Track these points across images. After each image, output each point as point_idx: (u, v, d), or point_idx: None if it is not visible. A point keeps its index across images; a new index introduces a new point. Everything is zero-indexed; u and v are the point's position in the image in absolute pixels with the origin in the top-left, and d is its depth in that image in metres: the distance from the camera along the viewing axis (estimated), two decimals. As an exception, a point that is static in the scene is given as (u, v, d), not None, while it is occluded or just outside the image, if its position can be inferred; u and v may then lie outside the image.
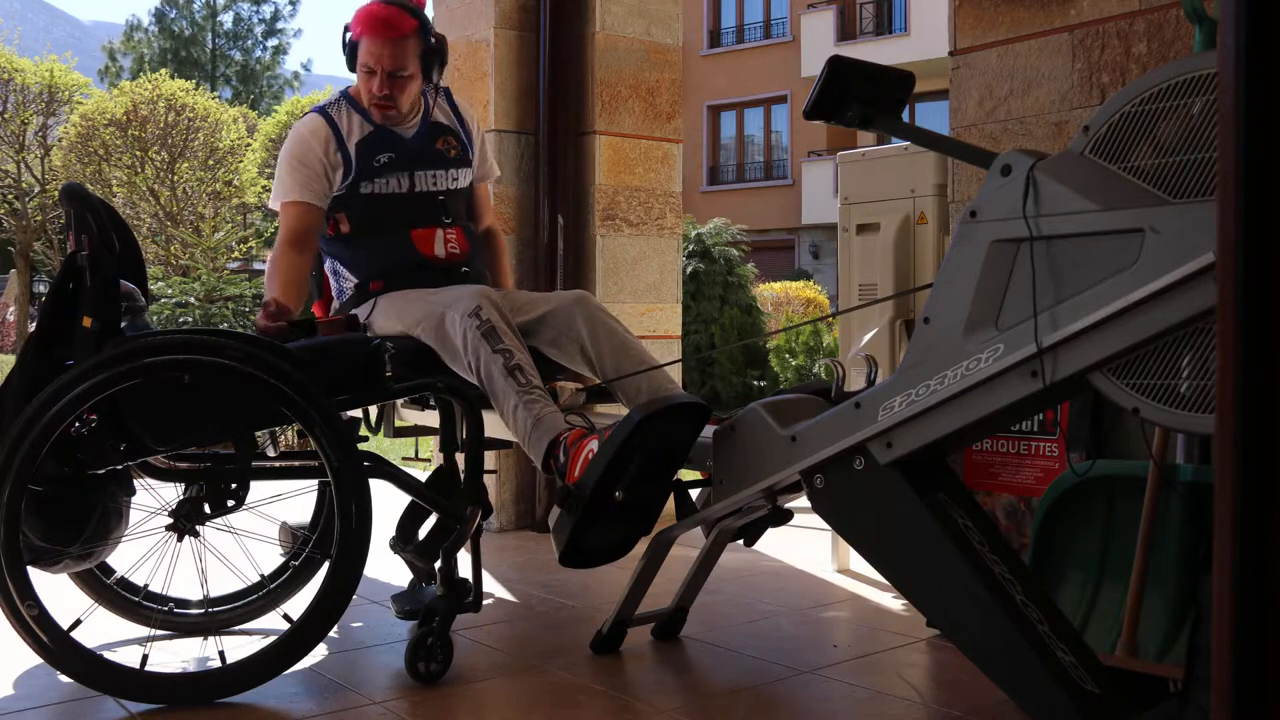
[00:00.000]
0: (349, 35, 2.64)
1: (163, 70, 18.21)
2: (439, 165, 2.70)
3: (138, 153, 15.75)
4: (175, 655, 2.37)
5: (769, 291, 13.27)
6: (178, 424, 2.09)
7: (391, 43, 2.58)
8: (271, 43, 39.04)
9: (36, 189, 17.26)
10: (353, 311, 2.60)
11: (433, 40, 2.65)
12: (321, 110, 2.66)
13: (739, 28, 24.01)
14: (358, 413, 2.63)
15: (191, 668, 2.26)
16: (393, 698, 2.11)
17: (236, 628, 2.55)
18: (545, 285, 3.77)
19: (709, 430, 2.15)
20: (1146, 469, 2.02)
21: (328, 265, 2.70)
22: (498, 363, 2.24)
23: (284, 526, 2.61)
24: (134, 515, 2.22)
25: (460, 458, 2.34)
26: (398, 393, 2.31)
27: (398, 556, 2.45)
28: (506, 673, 2.30)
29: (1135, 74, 2.28)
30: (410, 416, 2.71)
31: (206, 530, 2.20)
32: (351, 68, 2.66)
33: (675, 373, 3.99)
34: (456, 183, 2.73)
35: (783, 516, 2.30)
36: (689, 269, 11.13)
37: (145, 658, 2.07)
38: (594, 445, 2.09)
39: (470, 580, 2.25)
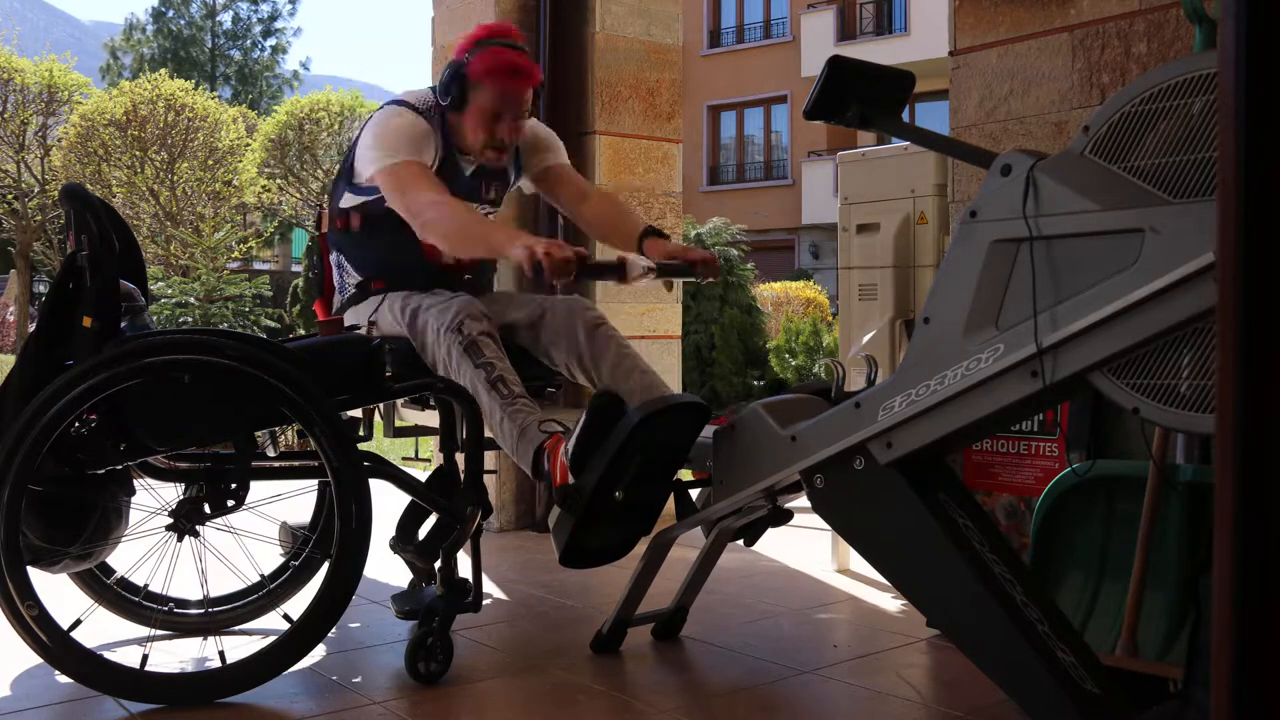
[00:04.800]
0: (461, 69, 2.47)
1: (162, 70, 18.20)
2: (473, 201, 2.62)
3: (137, 153, 15.74)
4: (175, 655, 2.37)
5: (769, 291, 13.27)
6: (177, 424, 2.09)
7: (526, 92, 2.51)
8: (270, 42, 39.06)
9: (36, 189, 17.25)
10: (348, 316, 2.61)
11: (541, 82, 2.58)
12: (419, 112, 2.51)
13: (739, 28, 24.00)
14: (358, 413, 2.63)
15: (191, 668, 2.26)
16: (393, 698, 2.12)
17: (236, 628, 2.55)
18: (546, 286, 3.76)
19: (709, 430, 2.15)
20: (1146, 469, 2.02)
21: (333, 258, 2.69)
22: (481, 377, 2.26)
23: (284, 526, 2.61)
24: (134, 515, 2.22)
25: (460, 458, 2.34)
26: (398, 393, 2.31)
27: (398, 556, 2.45)
28: (506, 673, 2.30)
29: (1135, 74, 2.28)
30: (410, 416, 2.70)
31: (206, 530, 2.20)
32: (457, 106, 2.50)
33: (675, 373, 4.00)
34: (481, 212, 2.68)
35: (783, 516, 2.30)
36: (689, 269, 11.10)
37: (145, 658, 2.07)
38: (565, 448, 2.09)
39: (470, 580, 2.25)
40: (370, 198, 2.53)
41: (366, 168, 2.48)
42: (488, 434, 2.32)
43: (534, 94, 2.56)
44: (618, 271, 2.29)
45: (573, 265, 2.14)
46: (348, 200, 2.59)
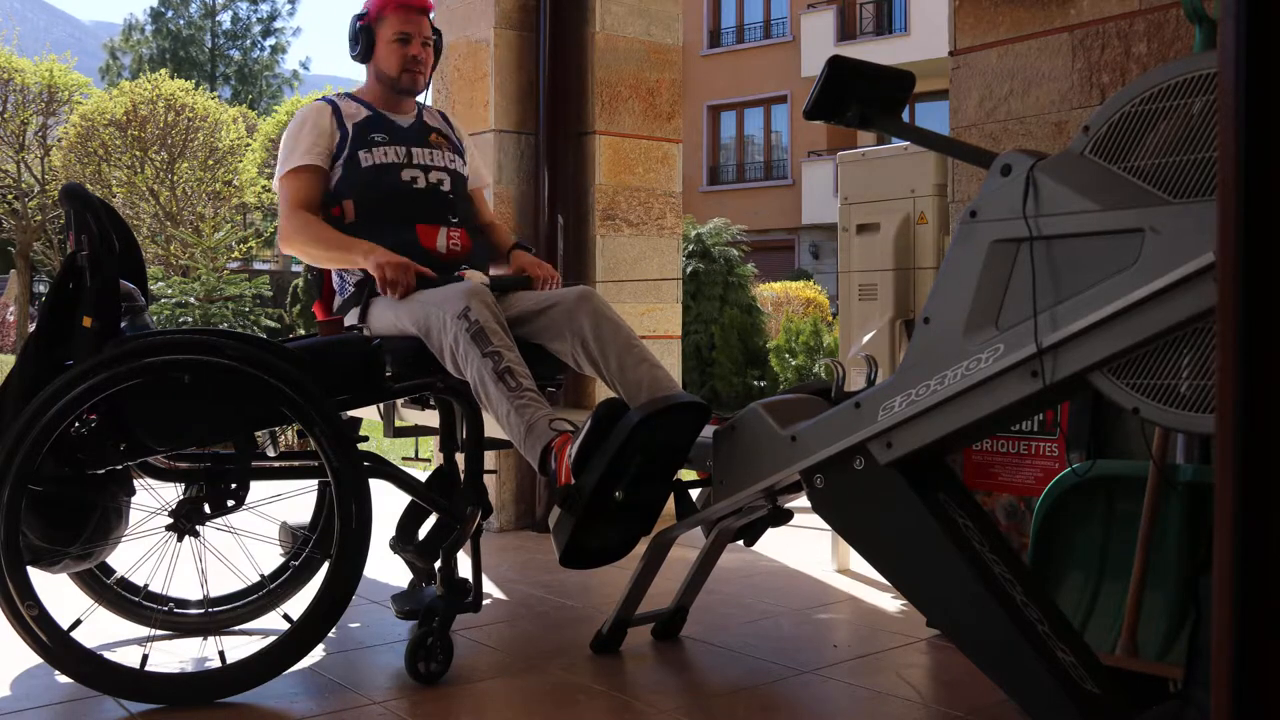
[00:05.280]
0: (361, 21, 2.78)
1: (162, 70, 18.21)
2: (422, 145, 2.77)
3: (137, 153, 15.75)
4: (175, 655, 2.37)
5: (769, 291, 13.27)
6: (177, 424, 2.09)
7: (422, 14, 2.79)
8: (270, 42, 39.07)
9: (36, 189, 17.25)
10: (348, 317, 2.61)
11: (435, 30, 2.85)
12: (323, 98, 2.81)
13: (739, 28, 24.01)
14: (358, 412, 2.63)
15: (191, 668, 2.26)
16: (393, 698, 2.12)
17: (236, 628, 2.55)
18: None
19: (709, 430, 2.15)
20: (1146, 469, 2.02)
21: None
22: (488, 366, 2.24)
23: (284, 526, 2.61)
24: (134, 515, 2.22)
25: (460, 458, 2.34)
26: (398, 393, 2.31)
27: (398, 556, 2.45)
28: (506, 673, 2.30)
29: (1135, 74, 2.28)
30: (410, 416, 2.71)
31: (206, 530, 2.20)
32: (365, 56, 2.78)
33: (675, 373, 4.00)
34: (454, 164, 2.78)
35: (783, 516, 2.30)
36: (689, 269, 11.13)
37: (145, 658, 2.07)
38: (570, 450, 2.09)
39: (470, 580, 2.25)
40: (337, 176, 2.66)
41: (275, 176, 2.74)
42: (489, 431, 2.32)
43: (434, 30, 2.81)
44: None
45: (412, 282, 2.46)
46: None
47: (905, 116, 1.99)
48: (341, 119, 2.70)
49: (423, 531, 2.41)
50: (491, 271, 2.78)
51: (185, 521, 2.18)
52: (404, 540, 2.41)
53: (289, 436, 4.82)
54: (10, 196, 17.27)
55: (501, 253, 2.88)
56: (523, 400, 2.21)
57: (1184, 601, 2.01)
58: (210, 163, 16.29)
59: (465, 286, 2.38)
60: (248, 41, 38.83)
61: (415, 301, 2.44)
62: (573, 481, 2.08)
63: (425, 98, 2.91)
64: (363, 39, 2.77)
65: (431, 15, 2.82)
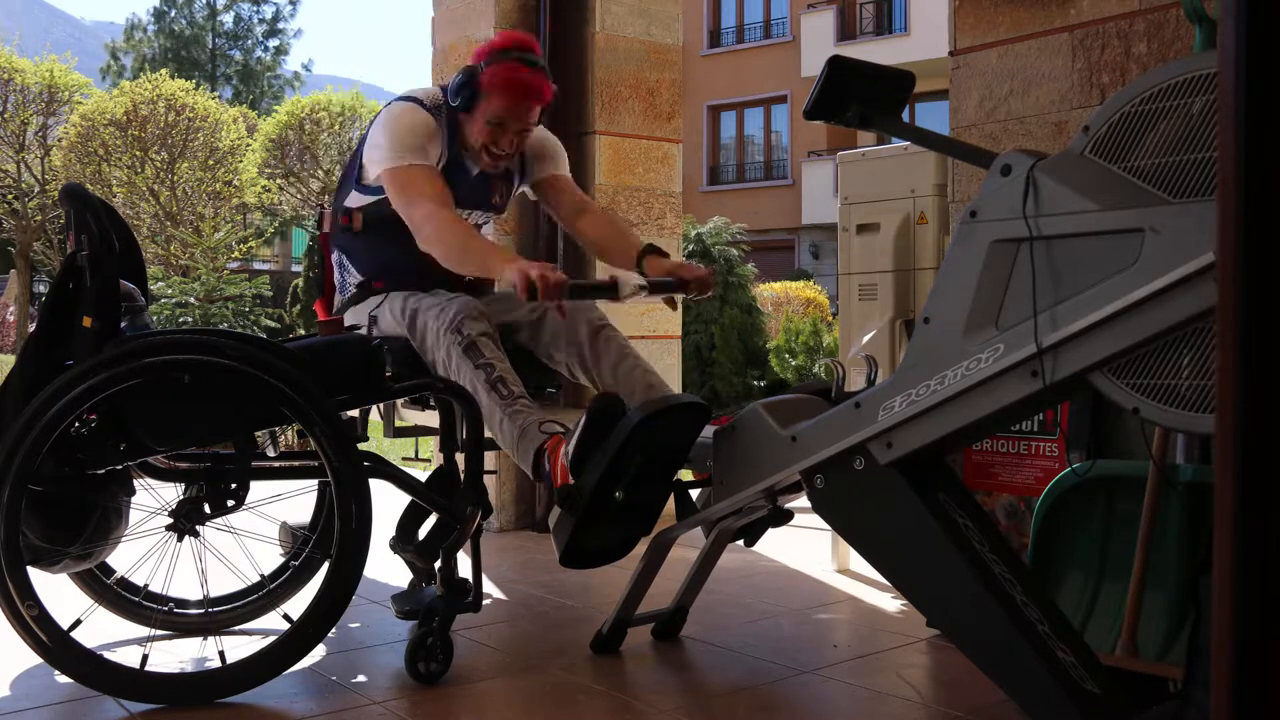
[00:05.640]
0: (475, 76, 2.46)
1: (163, 70, 18.20)
2: (481, 208, 2.65)
3: (138, 153, 15.74)
4: (175, 655, 2.37)
5: (769, 291, 13.27)
6: (177, 424, 2.09)
7: (534, 100, 2.49)
8: (272, 42, 39.04)
9: (36, 189, 17.25)
10: (348, 317, 2.60)
11: (552, 99, 2.56)
12: (426, 108, 2.51)
13: (739, 28, 24.01)
14: (358, 412, 2.62)
15: (191, 668, 2.26)
16: (393, 698, 2.12)
17: (236, 628, 2.55)
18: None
19: (709, 430, 2.15)
20: (1146, 469, 2.02)
21: (334, 257, 2.69)
22: (480, 378, 2.26)
23: (284, 526, 2.61)
24: (134, 515, 2.22)
25: (460, 458, 2.34)
26: (398, 393, 2.31)
27: (398, 556, 2.45)
28: (506, 673, 2.30)
29: (1135, 74, 2.28)
30: (410, 416, 2.70)
31: (206, 530, 2.20)
32: (466, 106, 2.47)
33: (675, 372, 4.00)
34: (485, 222, 2.71)
35: (783, 517, 2.30)
36: (689, 269, 11.09)
37: (145, 658, 2.07)
38: (566, 450, 2.09)
39: (470, 580, 2.25)
40: (376, 198, 2.52)
41: (374, 166, 2.47)
42: (488, 434, 2.32)
43: (541, 111, 2.53)
44: (610, 291, 2.30)
45: (565, 288, 2.16)
46: (354, 200, 2.58)
47: (905, 116, 1.99)
48: (441, 146, 2.50)
49: (423, 531, 2.41)
50: (633, 279, 2.37)
51: (185, 521, 2.18)
52: (404, 540, 2.41)
53: (289, 436, 4.82)
54: (10, 196, 17.26)
55: (628, 257, 2.58)
56: (515, 407, 2.24)
57: (1184, 601, 2.01)
58: (210, 163, 16.28)
59: (458, 300, 2.37)
60: (249, 42, 38.80)
61: (412, 308, 2.45)
62: (570, 481, 2.08)
63: None
64: (465, 94, 2.46)
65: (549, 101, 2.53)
